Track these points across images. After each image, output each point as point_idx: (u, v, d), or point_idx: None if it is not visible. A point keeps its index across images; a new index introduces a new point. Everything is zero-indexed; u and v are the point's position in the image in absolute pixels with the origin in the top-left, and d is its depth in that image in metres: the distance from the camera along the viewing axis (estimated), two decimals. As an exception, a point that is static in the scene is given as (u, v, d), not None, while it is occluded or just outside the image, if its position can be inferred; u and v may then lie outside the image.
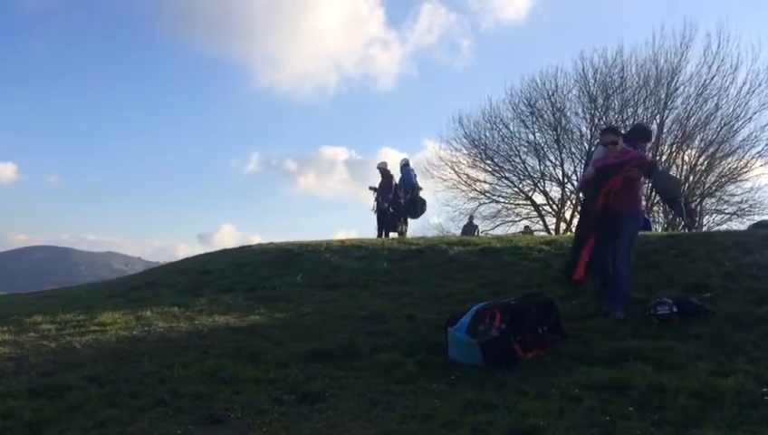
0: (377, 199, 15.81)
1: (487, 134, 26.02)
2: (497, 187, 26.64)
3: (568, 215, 25.31)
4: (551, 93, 24.67)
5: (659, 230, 16.46)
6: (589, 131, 24.08)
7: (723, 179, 23.40)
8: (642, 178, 6.76)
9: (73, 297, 9.45)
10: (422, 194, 16.44)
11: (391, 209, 15.64)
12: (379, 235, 15.46)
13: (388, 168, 16.21)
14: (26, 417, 4.16)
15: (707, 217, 24.15)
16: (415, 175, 16.59)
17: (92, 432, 3.97)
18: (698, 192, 23.43)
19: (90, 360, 5.46)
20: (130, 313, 7.31)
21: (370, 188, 16.11)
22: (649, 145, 8.44)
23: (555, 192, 25.97)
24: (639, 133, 8.68)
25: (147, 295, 8.89)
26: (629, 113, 23.10)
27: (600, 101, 23.76)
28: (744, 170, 22.83)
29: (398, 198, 15.78)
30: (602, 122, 23.47)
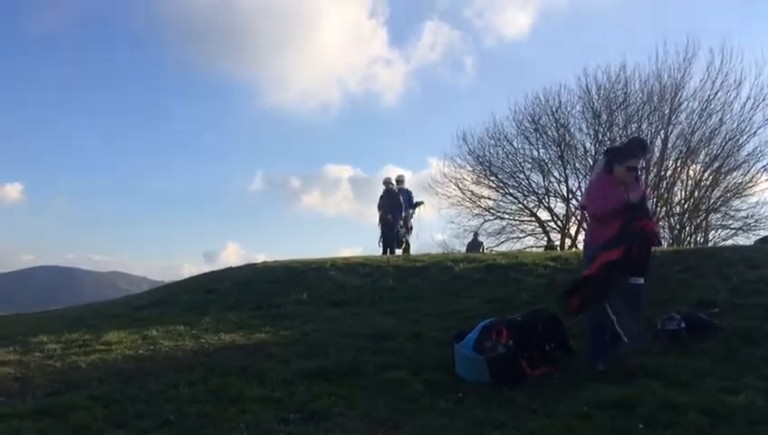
0: (383, 216, 15.77)
1: (491, 151, 26.08)
2: (502, 203, 26.65)
3: (573, 231, 25.29)
4: (554, 110, 24.75)
5: (665, 246, 16.41)
6: (593, 147, 24.11)
7: (728, 194, 23.32)
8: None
9: (79, 317, 9.44)
10: (424, 211, 16.52)
11: (401, 225, 15.64)
12: (384, 252, 15.44)
13: (392, 184, 16.20)
14: (32, 437, 4.14)
15: (713, 232, 24.09)
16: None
17: (98, 453, 3.94)
18: (703, 207, 23.36)
19: (95, 379, 5.45)
20: (136, 332, 7.31)
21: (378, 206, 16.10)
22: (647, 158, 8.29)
23: (560, 208, 25.98)
24: (640, 147, 8.45)
25: (152, 314, 8.89)
26: (633, 129, 23.09)
27: (604, 116, 23.81)
28: (750, 185, 22.77)
29: (408, 215, 15.84)
30: (606, 138, 23.49)
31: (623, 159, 5.47)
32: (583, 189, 23.20)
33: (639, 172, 6.10)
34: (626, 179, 5.43)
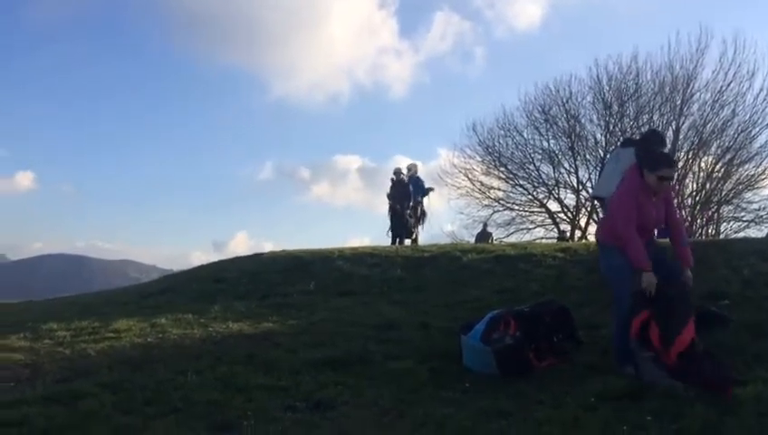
0: (393, 206, 15.76)
1: (501, 141, 25.96)
2: (511, 194, 26.55)
3: (583, 222, 25.19)
4: (565, 100, 24.58)
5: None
6: (603, 138, 23.95)
7: (740, 186, 23.15)
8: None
9: (88, 304, 9.50)
10: (432, 200, 16.53)
11: (410, 215, 15.62)
12: (393, 242, 15.44)
13: (403, 174, 16.17)
14: (41, 424, 4.16)
15: (725, 224, 23.95)
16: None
17: (106, 439, 3.97)
18: (715, 199, 23.20)
19: (104, 367, 5.48)
20: (145, 320, 7.34)
21: (388, 196, 16.08)
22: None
23: (570, 199, 25.86)
24: (658, 141, 7.85)
25: (161, 303, 8.93)
26: (645, 120, 22.96)
27: (615, 107, 23.63)
28: (762, 177, 22.58)
29: (417, 204, 15.83)
30: (617, 129, 23.33)
31: (655, 166, 4.88)
32: (594, 180, 23.14)
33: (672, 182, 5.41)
34: (657, 189, 4.92)
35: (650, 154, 5.22)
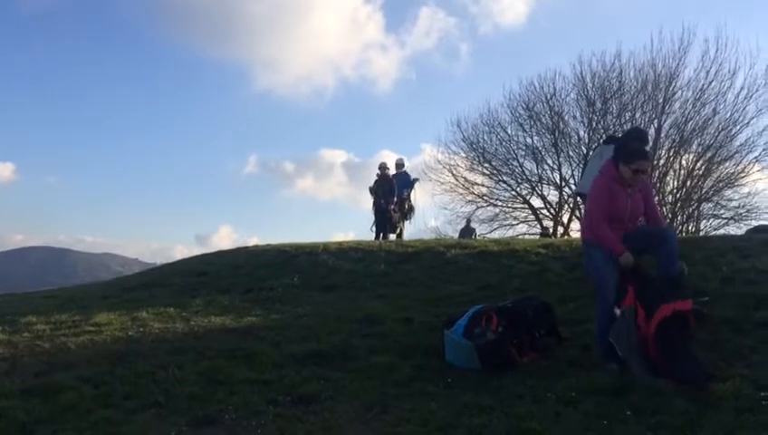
0: (377, 201, 15.73)
1: (485, 138, 26.06)
2: (495, 190, 26.64)
3: (565, 219, 25.36)
4: (549, 97, 24.70)
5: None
6: (586, 135, 24.13)
7: (720, 184, 23.36)
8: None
9: (69, 298, 9.41)
10: (417, 195, 16.50)
11: (394, 210, 15.60)
12: (377, 237, 15.43)
13: (388, 169, 16.14)
14: (20, 417, 4.12)
15: (705, 221, 24.16)
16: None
17: (86, 433, 3.93)
18: (696, 197, 23.43)
19: (84, 360, 5.43)
20: (126, 313, 7.29)
21: (370, 190, 16.04)
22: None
23: (553, 196, 26.01)
24: (640, 137, 7.90)
25: (143, 296, 8.86)
26: (627, 117, 23.11)
27: (599, 105, 23.77)
28: (742, 175, 22.78)
29: (403, 199, 15.82)
30: (600, 126, 23.48)
31: (630, 159, 4.96)
32: (577, 177, 23.29)
33: (647, 175, 5.44)
34: (631, 182, 4.98)
35: (625, 147, 5.29)
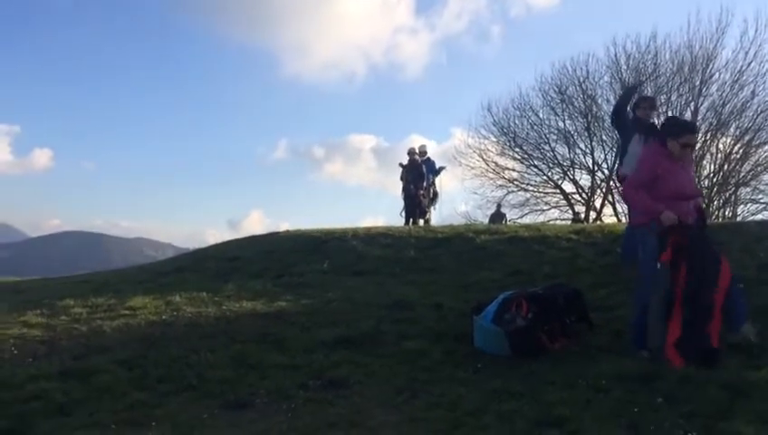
0: (407, 186, 15.71)
1: (516, 122, 25.84)
2: (526, 175, 26.44)
3: (598, 203, 25.02)
4: (582, 80, 24.34)
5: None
6: (620, 119, 23.66)
7: (758, 168, 22.87)
8: None
9: (104, 282, 9.60)
10: (445, 180, 16.52)
11: (423, 196, 15.61)
12: (406, 222, 15.42)
13: (416, 154, 16.11)
14: (57, 398, 4.25)
15: (742, 206, 23.68)
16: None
17: (121, 415, 4.03)
18: (733, 181, 22.94)
19: (119, 344, 5.56)
20: (160, 298, 7.41)
21: (400, 165, 16.03)
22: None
23: (585, 180, 25.70)
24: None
25: (176, 281, 8.99)
26: (663, 100, 22.63)
27: (633, 88, 23.32)
28: (781, 159, 22.27)
29: (430, 185, 15.83)
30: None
31: (679, 133, 4.85)
32: (610, 161, 22.93)
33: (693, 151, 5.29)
34: (681, 156, 4.86)
35: (674, 121, 5.23)
